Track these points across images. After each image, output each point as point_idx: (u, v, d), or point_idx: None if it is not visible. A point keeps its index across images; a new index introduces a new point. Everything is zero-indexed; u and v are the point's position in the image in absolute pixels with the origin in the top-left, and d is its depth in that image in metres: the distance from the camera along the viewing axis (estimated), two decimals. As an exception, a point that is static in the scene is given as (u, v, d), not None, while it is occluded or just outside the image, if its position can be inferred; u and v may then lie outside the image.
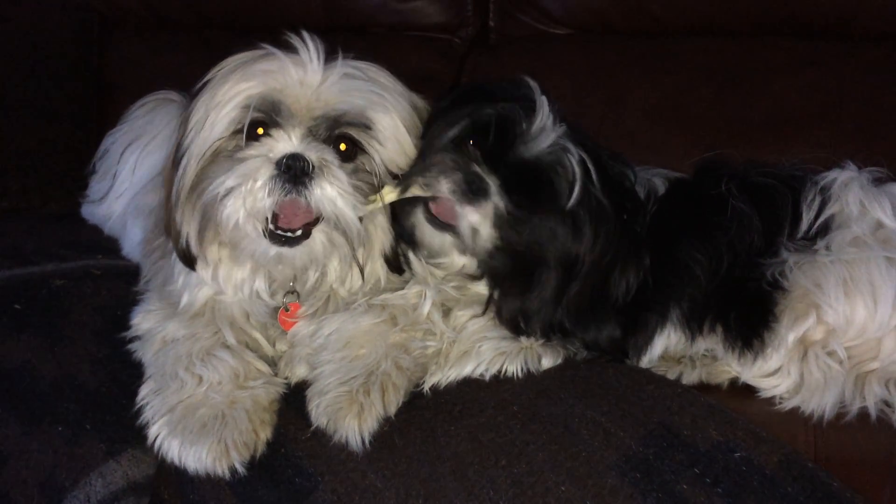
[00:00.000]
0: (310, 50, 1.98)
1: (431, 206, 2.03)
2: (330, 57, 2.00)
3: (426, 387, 2.02)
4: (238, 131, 1.97)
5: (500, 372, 2.05)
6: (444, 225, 2.04)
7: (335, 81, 1.98)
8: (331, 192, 1.92)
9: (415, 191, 2.02)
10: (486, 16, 3.39)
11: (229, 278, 2.07)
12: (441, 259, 2.11)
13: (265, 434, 1.95)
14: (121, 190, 2.72)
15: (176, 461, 1.91)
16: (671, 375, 2.16)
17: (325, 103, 1.97)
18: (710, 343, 2.18)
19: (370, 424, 1.90)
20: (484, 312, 2.11)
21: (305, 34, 2.00)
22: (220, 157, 1.98)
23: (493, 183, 2.00)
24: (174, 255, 2.10)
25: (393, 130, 2.02)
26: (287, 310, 2.11)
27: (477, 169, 2.01)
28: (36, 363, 2.16)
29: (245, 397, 1.97)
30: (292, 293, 2.11)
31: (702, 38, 3.18)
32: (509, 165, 2.01)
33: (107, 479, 1.97)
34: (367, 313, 2.07)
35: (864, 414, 2.06)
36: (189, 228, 2.00)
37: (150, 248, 2.30)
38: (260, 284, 2.08)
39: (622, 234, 2.07)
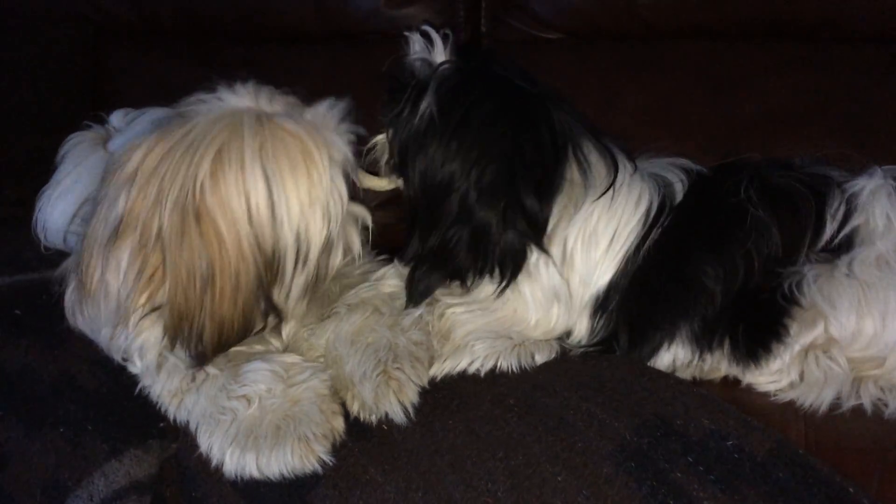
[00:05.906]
0: None
1: None
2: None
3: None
4: None
5: (495, 367, 2.08)
6: None
7: None
8: None
9: None
10: (477, 21, 3.40)
11: None
12: None
13: (339, 423, 1.91)
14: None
15: (256, 474, 1.85)
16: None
17: None
18: (716, 359, 2.15)
19: (410, 396, 1.94)
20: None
21: None
22: None
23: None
24: None
25: None
26: None
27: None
28: (36, 366, 2.17)
29: (304, 391, 1.92)
30: None
31: (691, 42, 3.20)
32: None
33: (109, 479, 1.98)
34: (353, 312, 2.09)
35: (855, 406, 2.08)
36: None
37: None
38: None
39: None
